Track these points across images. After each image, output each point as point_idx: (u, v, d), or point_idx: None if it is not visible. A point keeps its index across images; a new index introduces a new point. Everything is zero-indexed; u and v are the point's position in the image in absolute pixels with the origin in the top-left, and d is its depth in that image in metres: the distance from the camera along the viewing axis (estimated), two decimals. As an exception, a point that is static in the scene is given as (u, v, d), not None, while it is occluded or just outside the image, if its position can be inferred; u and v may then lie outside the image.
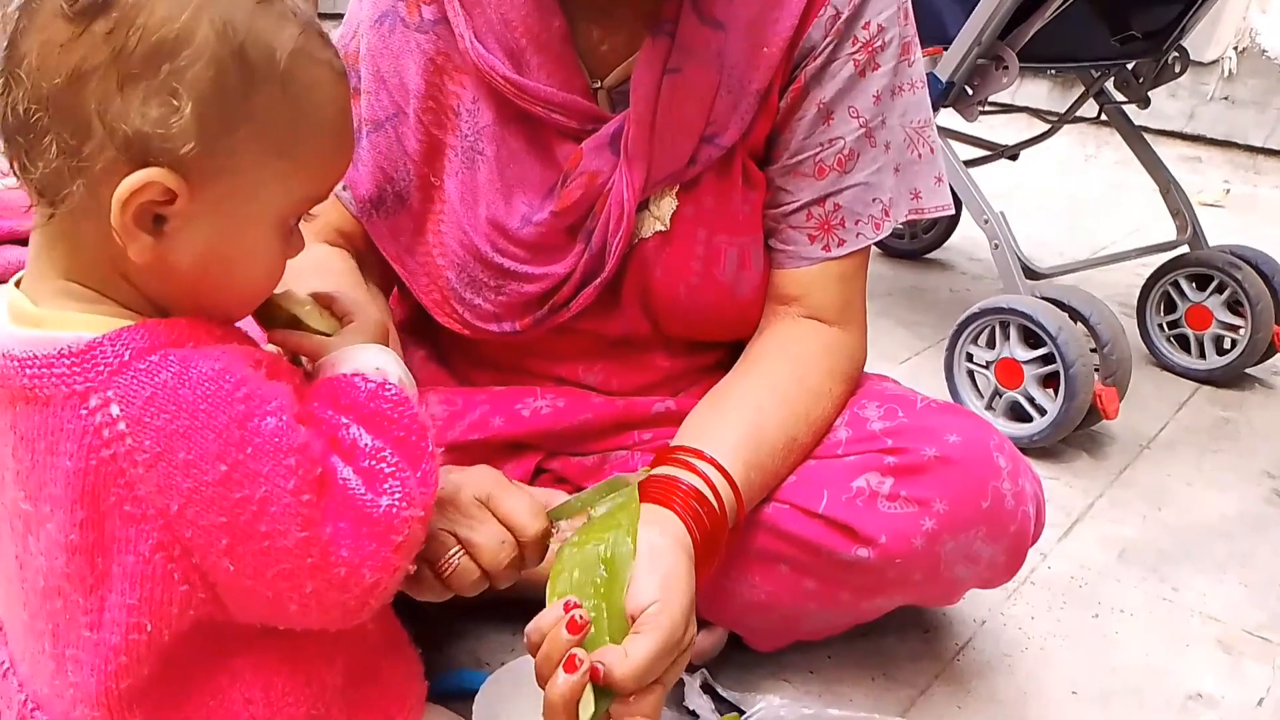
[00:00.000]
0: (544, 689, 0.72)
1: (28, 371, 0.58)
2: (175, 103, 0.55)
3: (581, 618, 0.72)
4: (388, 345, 0.71)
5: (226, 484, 0.56)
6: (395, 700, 0.73)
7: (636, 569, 0.77)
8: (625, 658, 0.72)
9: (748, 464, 0.88)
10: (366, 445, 0.61)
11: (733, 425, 0.91)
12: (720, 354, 1.06)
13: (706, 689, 0.99)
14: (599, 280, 0.96)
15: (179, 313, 0.62)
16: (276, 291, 0.68)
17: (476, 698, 0.91)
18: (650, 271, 0.97)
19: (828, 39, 0.93)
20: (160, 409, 0.56)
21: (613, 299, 0.99)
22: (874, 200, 0.97)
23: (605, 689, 0.72)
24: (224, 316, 0.65)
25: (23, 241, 2.00)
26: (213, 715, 0.64)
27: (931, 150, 1.00)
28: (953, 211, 1.06)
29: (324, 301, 0.72)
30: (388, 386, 0.64)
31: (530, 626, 0.75)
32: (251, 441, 0.57)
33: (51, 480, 0.58)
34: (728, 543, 0.87)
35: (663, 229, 0.96)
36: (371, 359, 0.67)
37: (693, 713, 0.96)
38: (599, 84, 0.95)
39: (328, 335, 0.70)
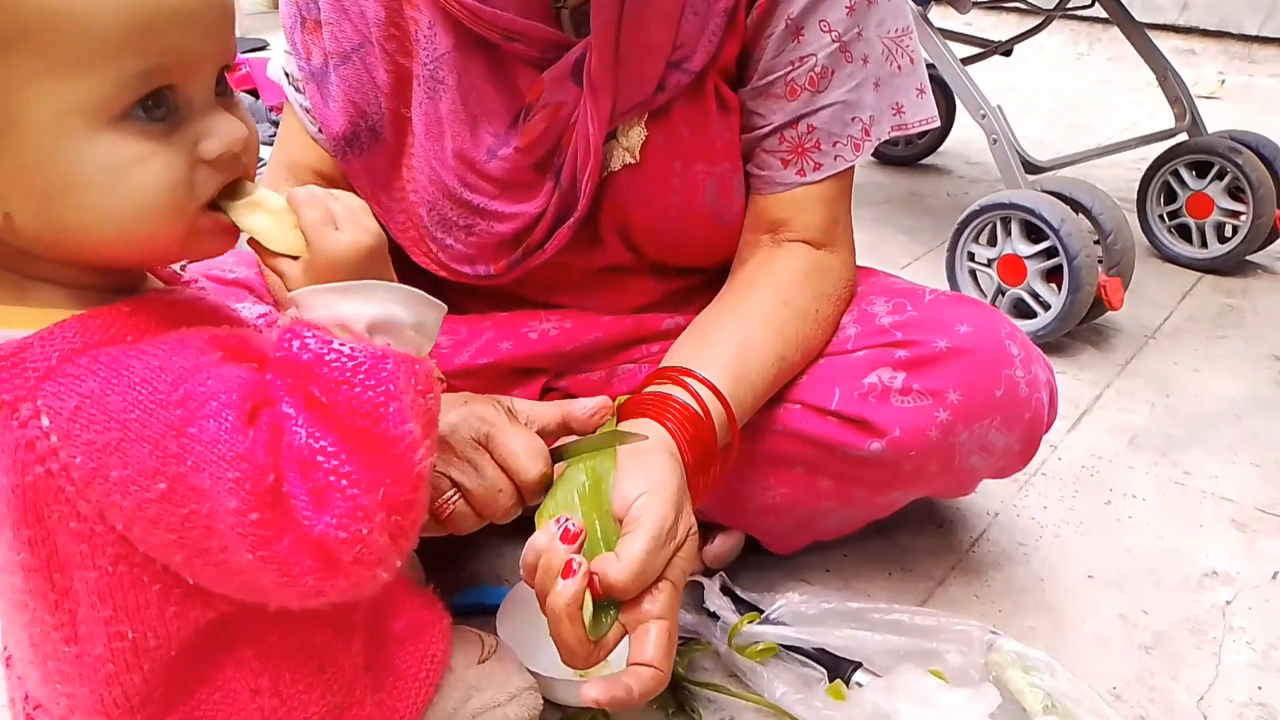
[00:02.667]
0: (545, 609, 0.71)
1: None
2: None
3: (575, 525, 0.71)
4: (365, 269, 0.56)
5: (168, 501, 0.50)
6: (421, 658, 0.71)
7: (619, 474, 0.76)
8: (618, 560, 0.71)
9: (736, 379, 0.86)
10: (306, 443, 0.52)
11: (720, 348, 0.88)
12: (715, 272, 1.04)
13: (726, 591, 1.00)
14: (572, 219, 0.92)
15: (113, 280, 0.55)
16: (237, 204, 0.55)
17: (498, 614, 0.92)
18: (625, 205, 0.94)
19: None
20: (89, 420, 0.50)
21: (591, 232, 0.96)
22: (853, 119, 0.92)
23: (610, 601, 0.71)
24: (162, 261, 0.56)
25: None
26: (218, 710, 0.60)
27: (912, 61, 0.94)
28: (939, 124, 1.03)
29: (294, 209, 0.57)
30: (330, 354, 0.52)
31: (524, 553, 0.73)
32: (191, 452, 0.50)
33: None
34: (728, 455, 0.86)
35: (632, 161, 0.92)
36: (325, 307, 0.54)
37: (713, 614, 0.97)
38: (562, 3, 0.90)
39: (294, 257, 0.56)
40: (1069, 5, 1.96)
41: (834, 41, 0.90)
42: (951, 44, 1.75)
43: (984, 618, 1.01)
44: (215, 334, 0.55)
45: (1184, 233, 1.91)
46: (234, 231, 0.56)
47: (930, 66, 1.76)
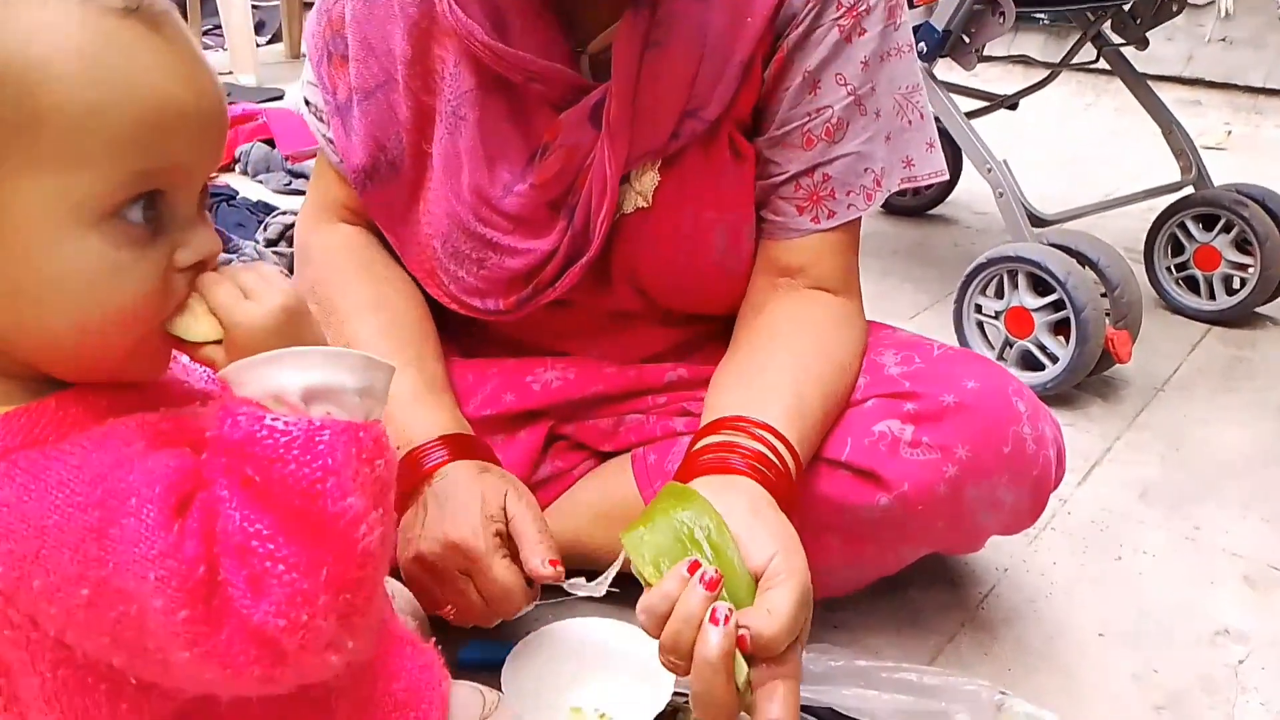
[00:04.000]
0: (682, 658, 0.68)
1: None
2: None
3: (712, 572, 0.69)
4: (295, 322, 0.54)
5: (95, 606, 0.48)
6: (416, 711, 0.68)
7: (738, 528, 0.73)
8: (769, 614, 0.68)
9: (800, 433, 0.85)
10: (239, 526, 0.49)
11: (776, 397, 0.87)
12: (721, 321, 1.05)
13: (733, 647, 0.99)
14: (584, 260, 0.94)
15: (59, 374, 0.53)
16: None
17: (504, 669, 0.91)
18: (636, 248, 0.96)
19: (810, 6, 0.91)
20: (7, 530, 0.48)
21: (602, 275, 0.98)
22: (865, 170, 0.95)
23: (748, 658, 0.68)
24: (109, 376, 0.54)
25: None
26: None
27: (921, 116, 0.97)
28: (947, 178, 1.05)
29: (201, 294, 0.54)
30: (262, 431, 0.50)
31: (644, 604, 0.70)
32: (112, 554, 0.48)
33: None
34: (795, 510, 0.82)
35: (644, 205, 0.94)
36: (256, 382, 0.52)
37: (721, 671, 0.96)
38: (583, 49, 0.93)
39: (215, 342, 0.54)
40: (1074, 60, 1.98)
41: (849, 95, 0.93)
42: (957, 98, 1.77)
43: (994, 676, 1.00)
44: (145, 420, 0.53)
45: (1192, 285, 1.91)
46: (169, 357, 0.55)
47: (937, 120, 1.78)
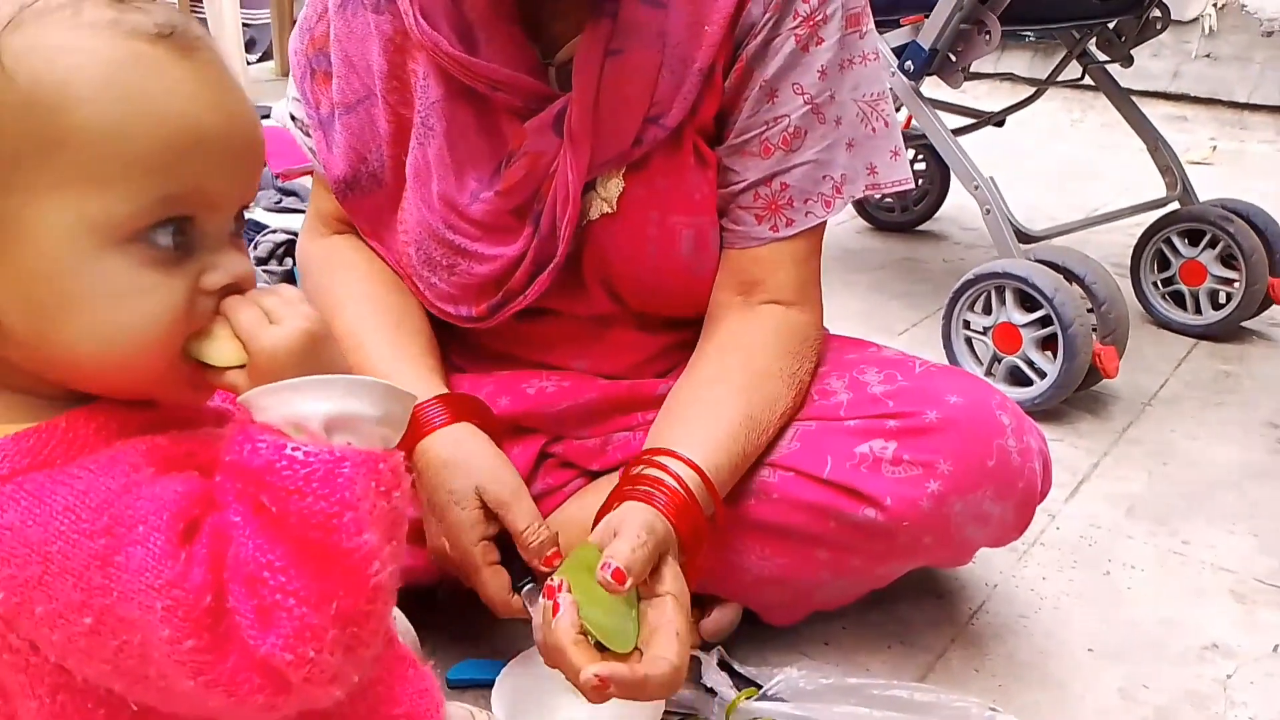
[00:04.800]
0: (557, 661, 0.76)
1: None
2: None
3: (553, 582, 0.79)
4: (313, 359, 0.53)
5: (97, 634, 0.48)
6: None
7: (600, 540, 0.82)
8: (616, 549, 0.78)
9: (711, 450, 0.89)
10: (252, 556, 0.49)
11: (692, 421, 0.91)
12: (698, 327, 1.05)
13: (724, 666, 0.99)
14: (551, 266, 0.95)
15: (86, 389, 0.53)
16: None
17: (494, 688, 0.91)
18: (605, 253, 0.97)
19: (767, 15, 0.92)
20: (10, 555, 0.48)
21: (575, 280, 0.99)
22: (824, 178, 0.96)
23: (628, 605, 0.79)
24: (131, 395, 0.54)
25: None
26: None
27: (886, 124, 0.98)
28: (912, 186, 1.06)
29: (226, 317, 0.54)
30: (281, 461, 0.49)
31: (540, 648, 0.79)
32: (117, 583, 0.47)
33: None
34: (715, 523, 0.89)
35: (609, 210, 0.95)
36: (278, 408, 0.51)
37: (711, 690, 0.96)
38: (550, 61, 0.95)
39: (239, 367, 0.53)
40: (1060, 77, 2.00)
41: (806, 104, 0.94)
42: (944, 115, 1.78)
43: (984, 691, 1.00)
44: (155, 444, 0.52)
45: (1178, 299, 1.92)
46: (208, 388, 0.54)
47: (922, 137, 1.79)
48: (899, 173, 0.99)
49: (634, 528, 0.80)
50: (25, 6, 0.49)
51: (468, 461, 0.90)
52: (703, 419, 0.92)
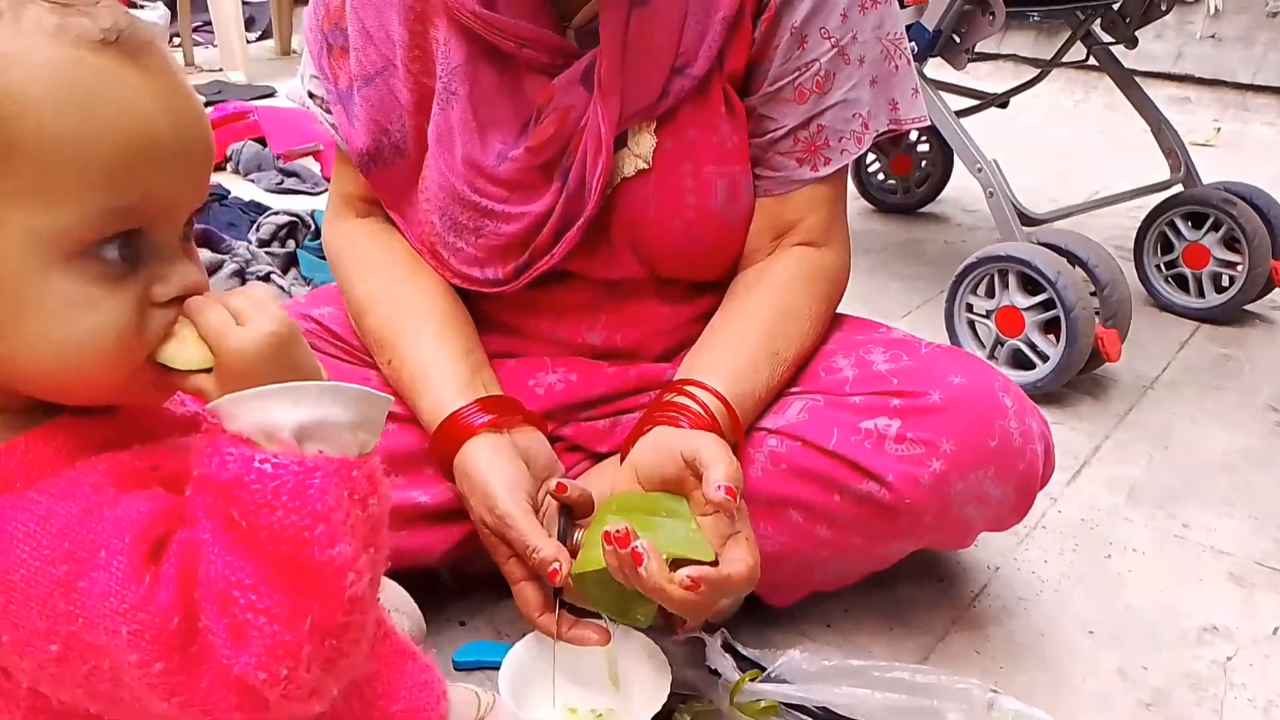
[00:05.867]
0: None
1: None
2: None
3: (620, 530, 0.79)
4: (283, 363, 0.51)
5: (66, 662, 0.47)
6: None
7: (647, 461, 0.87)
8: (721, 468, 0.82)
9: (735, 380, 0.94)
10: (221, 573, 0.48)
11: (719, 354, 0.97)
12: (715, 299, 1.07)
13: (727, 648, 1.00)
14: (581, 221, 0.96)
15: (53, 399, 0.52)
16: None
17: (500, 670, 0.92)
18: (641, 209, 0.98)
19: None
20: None
21: (602, 241, 1.00)
22: (854, 115, 0.99)
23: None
24: (104, 402, 0.53)
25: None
26: None
27: (908, 62, 1.02)
28: (929, 123, 1.09)
29: (191, 319, 0.52)
30: (249, 475, 0.48)
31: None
32: (81, 609, 0.47)
33: None
34: (737, 448, 0.93)
35: (645, 166, 0.97)
36: (248, 416, 0.50)
37: (715, 672, 0.97)
38: (567, 24, 0.96)
39: (205, 370, 0.51)
40: (1064, 58, 1.99)
41: (833, 46, 0.97)
42: (947, 96, 1.78)
43: (984, 674, 1.01)
44: (116, 462, 0.51)
45: (1181, 282, 1.92)
46: (171, 389, 0.53)
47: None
48: (918, 110, 1.03)
49: (710, 449, 0.83)
50: None
51: (483, 480, 0.90)
52: (729, 353, 0.96)
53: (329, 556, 0.48)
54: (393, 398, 0.56)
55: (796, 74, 0.97)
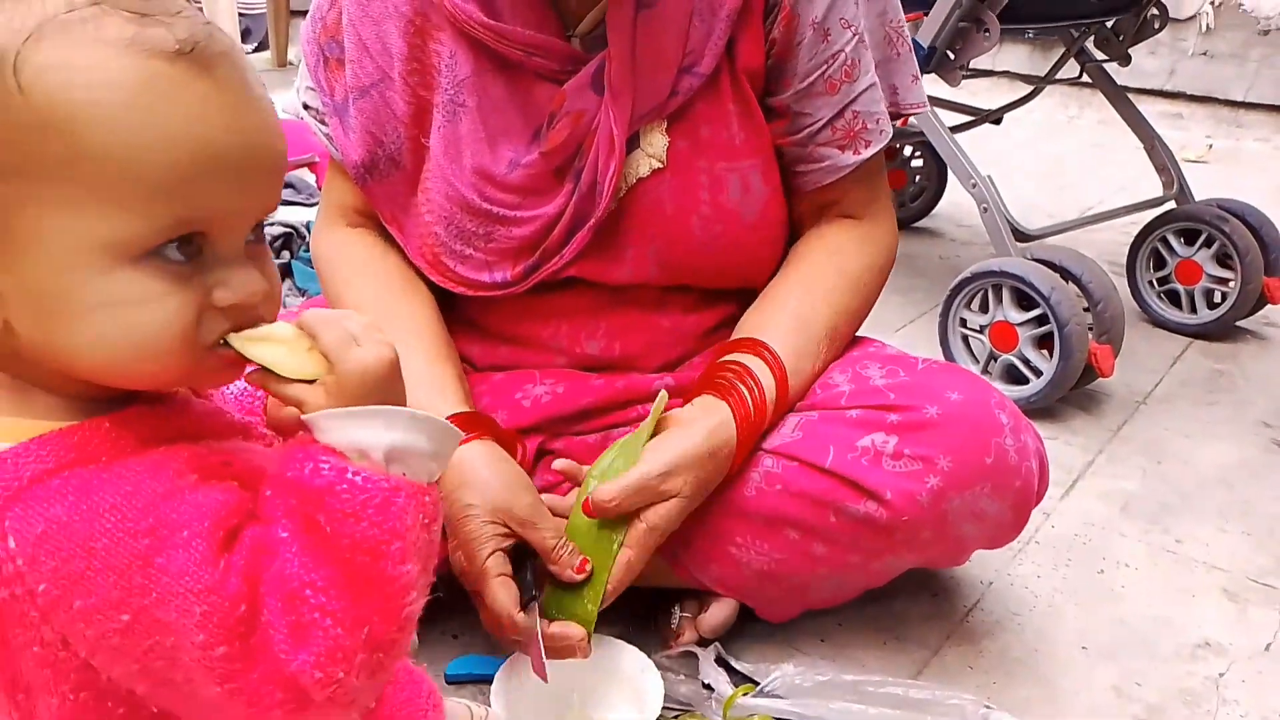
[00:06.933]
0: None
1: None
2: None
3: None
4: (389, 387, 0.55)
5: (132, 633, 0.49)
6: None
7: (658, 435, 0.93)
8: (609, 486, 0.89)
9: (796, 351, 0.98)
10: (295, 572, 0.50)
11: (781, 318, 1.00)
12: (721, 314, 1.07)
13: (720, 662, 1.00)
14: (592, 222, 0.97)
15: (103, 389, 0.53)
16: (239, 336, 0.54)
17: (494, 684, 0.92)
18: (659, 208, 0.99)
19: None
20: (54, 548, 0.48)
21: (615, 243, 1.00)
22: (880, 97, 1.03)
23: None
24: (148, 385, 0.54)
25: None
26: None
27: (909, 49, 1.06)
28: (928, 109, 1.11)
29: (311, 333, 0.55)
30: (342, 486, 0.51)
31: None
32: (156, 585, 0.48)
33: None
34: (779, 409, 0.97)
35: (660, 165, 0.98)
36: (346, 431, 0.52)
37: (708, 686, 0.97)
38: (571, 33, 0.97)
39: (309, 381, 0.54)
40: (1058, 75, 2.00)
41: (854, 35, 0.99)
42: (941, 112, 1.78)
43: (978, 688, 1.01)
44: (195, 452, 0.53)
45: (1173, 298, 1.93)
46: (241, 364, 0.55)
47: (920, 134, 1.80)
48: (918, 97, 1.07)
49: (637, 472, 0.89)
50: (47, 20, 0.48)
51: (488, 480, 0.91)
52: (791, 320, 1.00)
53: (399, 572, 0.51)
54: (462, 434, 0.58)
55: (825, 66, 0.98)
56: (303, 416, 0.54)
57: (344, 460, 0.52)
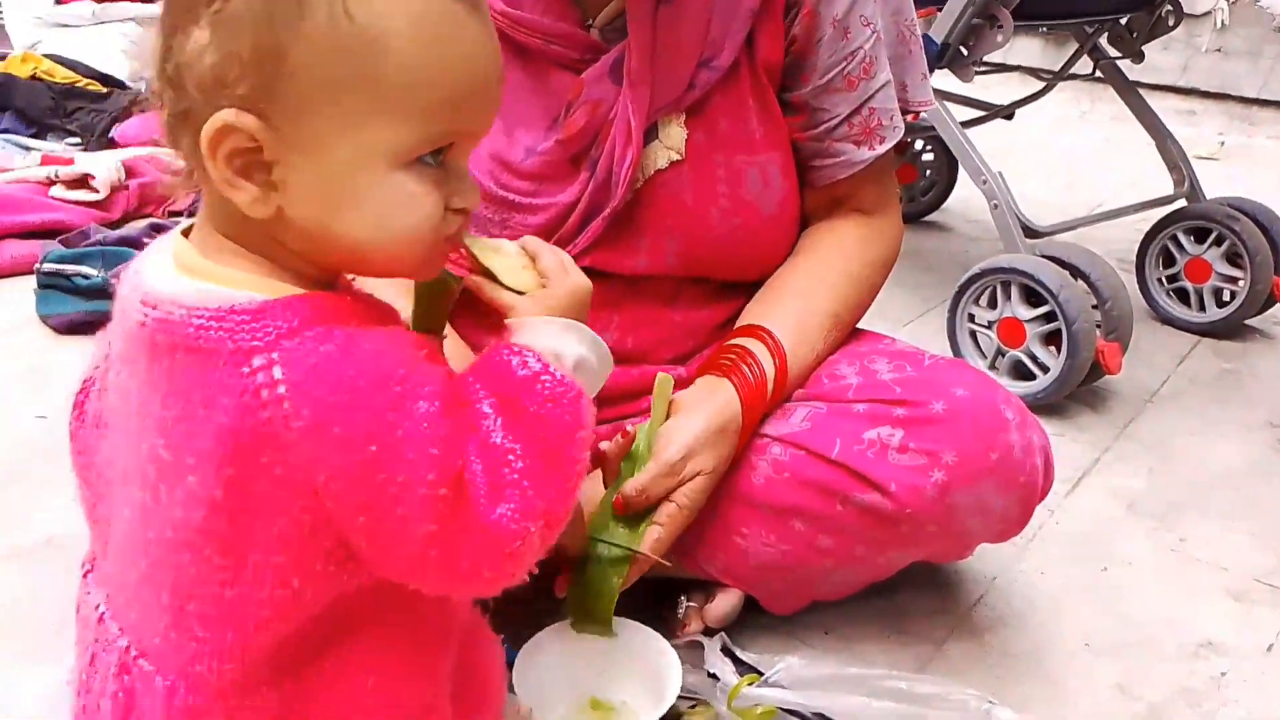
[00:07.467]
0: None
1: (195, 321, 0.57)
2: (225, 39, 0.54)
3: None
4: (584, 312, 0.69)
5: (373, 465, 0.55)
6: (491, 685, 0.75)
7: (673, 418, 0.96)
8: (632, 480, 0.92)
9: (796, 337, 1.01)
10: (499, 442, 0.58)
11: (783, 307, 1.03)
12: (733, 307, 1.08)
13: (726, 652, 1.01)
14: (607, 211, 0.98)
15: (339, 274, 0.63)
16: (481, 242, 0.69)
17: (514, 666, 0.92)
18: (677, 200, 1.00)
19: None
20: (322, 379, 0.55)
21: (632, 234, 1.01)
22: (894, 93, 1.05)
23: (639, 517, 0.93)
24: (386, 272, 0.63)
25: (22, 236, 2.01)
26: (336, 679, 0.63)
27: (920, 47, 1.09)
28: (934, 106, 1.13)
29: (530, 254, 0.71)
30: (545, 377, 0.61)
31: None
32: (403, 425, 0.56)
33: (201, 434, 0.56)
34: (781, 390, 1.00)
35: (678, 157, 0.99)
36: (549, 338, 0.64)
37: (714, 676, 0.98)
38: (590, 24, 0.98)
39: (521, 293, 0.68)
40: (1071, 72, 1.99)
41: (873, 32, 1.01)
42: (954, 107, 1.78)
43: (981, 683, 1.02)
44: (415, 337, 0.62)
45: (1182, 296, 1.93)
46: (446, 261, 0.66)
47: (930, 129, 1.80)
48: (926, 94, 1.10)
49: (659, 458, 0.92)
50: None
51: None
52: (794, 307, 1.03)
53: (580, 458, 0.61)
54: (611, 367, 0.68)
55: (844, 63, 1.00)
56: (509, 320, 0.66)
57: (544, 358, 0.62)
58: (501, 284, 0.68)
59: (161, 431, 0.58)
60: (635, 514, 0.93)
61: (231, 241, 0.60)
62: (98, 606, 0.66)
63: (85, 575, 0.69)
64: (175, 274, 0.60)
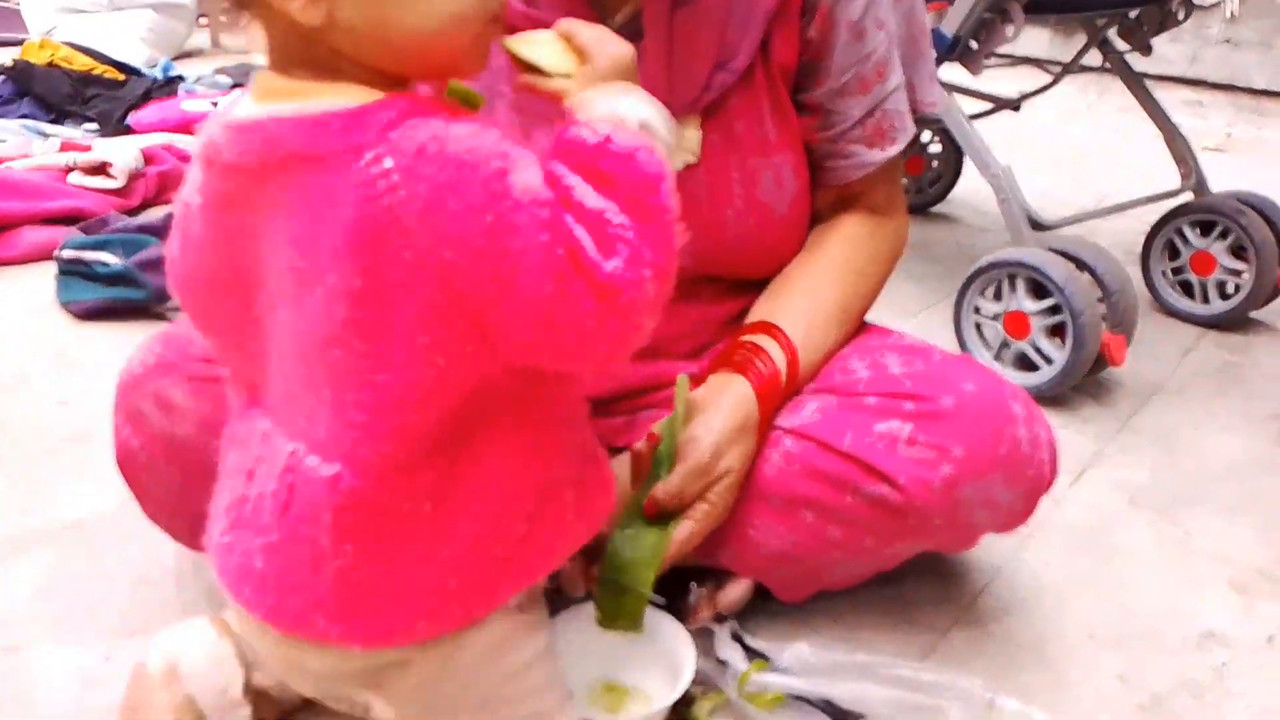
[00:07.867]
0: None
1: (302, 132, 0.61)
2: None
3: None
4: (631, 78, 0.71)
5: (491, 235, 0.59)
6: (604, 497, 0.80)
7: (695, 416, 0.96)
8: (664, 483, 0.93)
9: (807, 332, 1.02)
10: (594, 205, 0.62)
11: (793, 303, 1.04)
12: (747, 301, 1.09)
13: (736, 639, 1.02)
14: None
15: (407, 84, 0.65)
16: (518, 37, 0.71)
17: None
18: (692, 202, 0.99)
19: None
20: (429, 160, 0.59)
21: None
22: (905, 95, 1.07)
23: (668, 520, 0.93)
24: (441, 73, 0.67)
25: (42, 222, 2.03)
26: (484, 457, 0.67)
27: (930, 46, 1.11)
28: (940, 108, 1.14)
29: (565, 36, 0.72)
30: (613, 139, 0.64)
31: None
32: (510, 193, 0.59)
33: (330, 233, 0.60)
34: (789, 390, 1.01)
35: (692, 160, 0.99)
36: (605, 105, 0.67)
37: (723, 662, 0.99)
38: (607, 25, 0.97)
39: (568, 76, 0.70)
40: (1079, 63, 2.00)
41: (886, 35, 1.02)
42: (962, 99, 1.79)
43: (985, 672, 1.03)
44: (494, 123, 0.64)
45: (1187, 289, 1.94)
46: (487, 57, 0.68)
47: (938, 121, 1.80)
48: (934, 94, 1.11)
49: (689, 460, 0.93)
50: None
51: None
52: (803, 303, 1.04)
53: (670, 204, 0.63)
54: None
55: (859, 66, 1.01)
56: (566, 104, 0.68)
57: (608, 124, 0.65)
58: (548, 74, 0.70)
59: (293, 245, 0.62)
60: (663, 515, 0.94)
61: (300, 70, 0.64)
62: (264, 431, 0.69)
63: (245, 412, 0.72)
64: (264, 104, 0.64)
